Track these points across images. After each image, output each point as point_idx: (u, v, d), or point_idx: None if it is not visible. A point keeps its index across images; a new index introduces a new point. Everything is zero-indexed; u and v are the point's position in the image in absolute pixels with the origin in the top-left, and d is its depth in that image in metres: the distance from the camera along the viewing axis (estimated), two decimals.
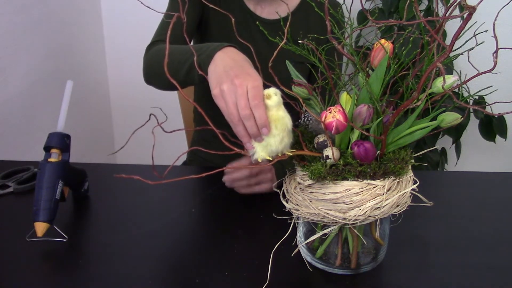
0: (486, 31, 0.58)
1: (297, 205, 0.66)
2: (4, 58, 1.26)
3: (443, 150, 1.82)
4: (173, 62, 0.80)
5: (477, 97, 1.59)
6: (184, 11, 1.01)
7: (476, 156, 1.94)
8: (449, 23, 1.55)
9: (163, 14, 1.09)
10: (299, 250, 0.72)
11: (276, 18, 1.11)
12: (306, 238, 0.71)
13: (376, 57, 0.63)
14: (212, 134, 0.61)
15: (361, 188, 0.61)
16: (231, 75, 0.64)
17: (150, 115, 0.67)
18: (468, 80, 0.55)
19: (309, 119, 0.69)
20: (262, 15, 1.12)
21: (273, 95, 0.58)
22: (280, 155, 0.61)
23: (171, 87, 0.91)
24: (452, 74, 0.88)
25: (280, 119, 0.58)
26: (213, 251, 0.76)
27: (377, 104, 0.62)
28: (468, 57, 0.62)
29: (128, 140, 0.72)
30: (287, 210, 0.68)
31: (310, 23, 1.11)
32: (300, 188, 0.66)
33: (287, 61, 0.71)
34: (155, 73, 0.91)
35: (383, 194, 0.61)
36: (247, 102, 0.60)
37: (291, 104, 0.68)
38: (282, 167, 0.88)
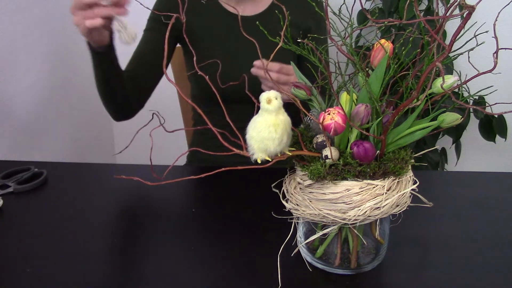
0: (487, 31, 0.58)
1: (297, 205, 0.66)
2: (4, 58, 1.26)
3: (443, 150, 1.82)
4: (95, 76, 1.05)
5: (477, 97, 1.59)
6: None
7: (476, 156, 1.94)
8: (449, 23, 1.55)
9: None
10: (299, 250, 0.72)
11: (255, 13, 1.16)
12: (306, 238, 0.71)
13: (376, 57, 0.63)
14: (213, 133, 0.61)
15: (360, 188, 0.61)
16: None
17: (153, 114, 0.67)
18: (468, 80, 0.55)
19: (310, 119, 0.69)
20: (244, 14, 1.16)
21: (273, 99, 0.58)
22: (279, 155, 0.61)
23: (118, 105, 1.07)
24: (452, 74, 0.88)
25: (280, 123, 0.58)
26: (212, 251, 0.76)
27: (377, 104, 0.62)
28: (469, 57, 0.62)
29: (132, 140, 0.72)
30: (287, 210, 0.68)
31: (280, 24, 1.12)
32: (300, 188, 0.66)
33: (291, 62, 0.72)
34: (103, 97, 1.06)
35: (382, 194, 0.61)
36: None
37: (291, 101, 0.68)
38: None
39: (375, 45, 0.63)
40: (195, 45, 1.17)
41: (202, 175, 0.60)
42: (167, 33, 0.58)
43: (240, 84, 0.72)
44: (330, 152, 0.59)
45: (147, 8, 0.80)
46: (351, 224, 0.62)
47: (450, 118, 0.61)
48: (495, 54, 0.48)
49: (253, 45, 0.62)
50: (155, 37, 1.15)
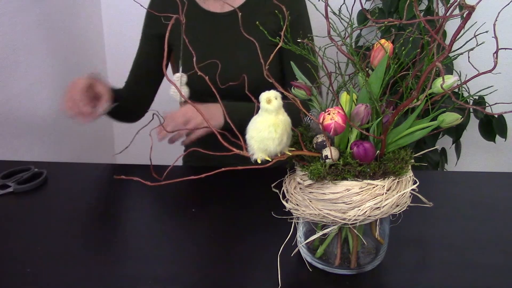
0: (487, 31, 0.58)
1: (297, 205, 0.66)
2: (4, 58, 1.26)
3: (443, 150, 1.82)
4: None
5: (477, 97, 1.59)
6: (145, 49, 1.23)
7: (476, 156, 1.94)
8: (449, 23, 1.55)
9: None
10: (299, 250, 0.72)
11: (225, 11, 1.16)
12: (306, 238, 0.71)
13: (376, 57, 0.63)
14: (209, 134, 0.61)
15: (360, 188, 0.61)
16: None
17: (153, 114, 0.67)
18: (468, 80, 0.55)
19: (310, 119, 0.69)
20: (224, 10, 1.17)
21: (273, 99, 0.58)
22: (279, 155, 0.61)
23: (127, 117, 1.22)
24: (452, 74, 0.88)
25: (279, 123, 0.58)
26: (212, 251, 0.76)
27: (377, 104, 0.62)
28: (468, 57, 0.62)
29: (133, 140, 0.72)
30: (287, 210, 0.68)
31: (257, 19, 1.09)
32: (300, 188, 0.66)
33: (291, 62, 0.71)
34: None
35: (382, 194, 0.61)
36: None
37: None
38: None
39: (375, 45, 0.63)
40: (181, 49, 1.18)
41: (202, 175, 0.60)
42: (167, 34, 0.59)
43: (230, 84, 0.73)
44: (330, 152, 0.59)
45: (144, 7, 0.80)
46: (351, 224, 0.62)
47: (450, 118, 0.61)
48: (495, 54, 0.48)
49: (235, 41, 0.62)
50: (145, 48, 1.23)
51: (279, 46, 0.61)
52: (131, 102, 1.18)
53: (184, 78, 0.95)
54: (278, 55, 1.16)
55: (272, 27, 1.12)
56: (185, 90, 0.97)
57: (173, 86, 0.95)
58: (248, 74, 0.73)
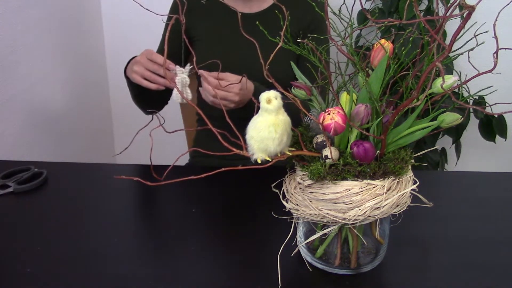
0: (487, 31, 0.58)
1: (297, 205, 0.66)
2: (4, 58, 1.26)
3: (443, 150, 1.82)
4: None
5: (477, 97, 1.59)
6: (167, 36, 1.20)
7: (476, 156, 1.94)
8: (449, 23, 1.55)
9: (161, 21, 1.23)
10: (299, 250, 0.72)
11: (261, 10, 1.20)
12: (306, 238, 0.71)
13: (376, 57, 0.63)
14: (210, 134, 0.62)
15: (360, 188, 0.61)
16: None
17: (152, 115, 0.67)
18: (468, 80, 0.55)
19: (310, 119, 0.69)
20: (251, 11, 1.20)
21: (273, 99, 0.58)
22: (279, 155, 0.61)
23: (151, 105, 1.16)
24: (452, 74, 0.88)
25: (280, 123, 0.58)
26: (212, 251, 0.76)
27: (377, 104, 0.62)
28: (469, 57, 0.62)
29: (132, 140, 0.72)
30: (287, 210, 0.68)
31: (282, 22, 1.13)
32: (300, 188, 0.66)
33: (291, 62, 0.72)
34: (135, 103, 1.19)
35: (382, 194, 0.61)
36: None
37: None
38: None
39: (375, 45, 0.63)
40: (200, 45, 1.21)
41: (202, 175, 0.60)
42: (167, 34, 0.59)
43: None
44: (330, 152, 0.59)
45: (147, 9, 0.80)
46: (351, 224, 0.62)
47: (450, 118, 0.61)
48: (495, 54, 0.48)
49: (257, 42, 0.63)
50: (170, 41, 1.22)
51: (279, 46, 0.61)
52: (158, 96, 1.18)
53: (186, 80, 0.96)
54: (295, 59, 1.17)
55: (294, 29, 1.18)
56: (188, 91, 0.97)
57: (175, 88, 0.94)
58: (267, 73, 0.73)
